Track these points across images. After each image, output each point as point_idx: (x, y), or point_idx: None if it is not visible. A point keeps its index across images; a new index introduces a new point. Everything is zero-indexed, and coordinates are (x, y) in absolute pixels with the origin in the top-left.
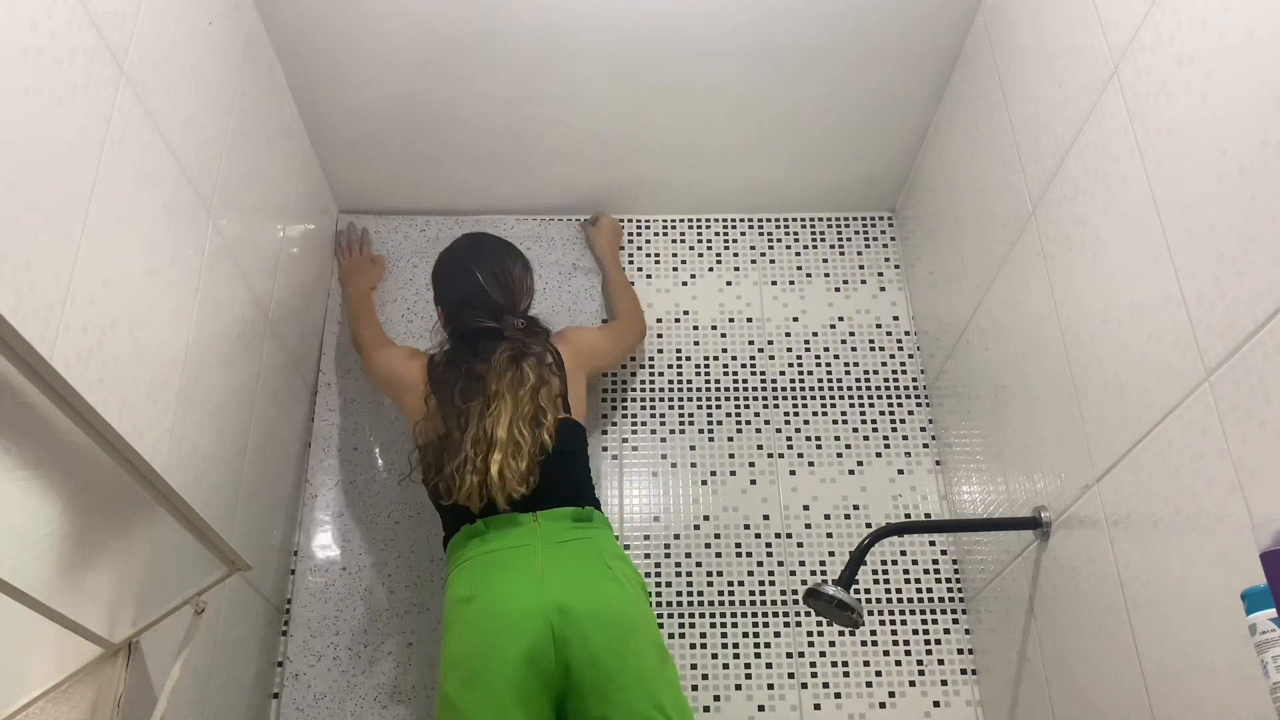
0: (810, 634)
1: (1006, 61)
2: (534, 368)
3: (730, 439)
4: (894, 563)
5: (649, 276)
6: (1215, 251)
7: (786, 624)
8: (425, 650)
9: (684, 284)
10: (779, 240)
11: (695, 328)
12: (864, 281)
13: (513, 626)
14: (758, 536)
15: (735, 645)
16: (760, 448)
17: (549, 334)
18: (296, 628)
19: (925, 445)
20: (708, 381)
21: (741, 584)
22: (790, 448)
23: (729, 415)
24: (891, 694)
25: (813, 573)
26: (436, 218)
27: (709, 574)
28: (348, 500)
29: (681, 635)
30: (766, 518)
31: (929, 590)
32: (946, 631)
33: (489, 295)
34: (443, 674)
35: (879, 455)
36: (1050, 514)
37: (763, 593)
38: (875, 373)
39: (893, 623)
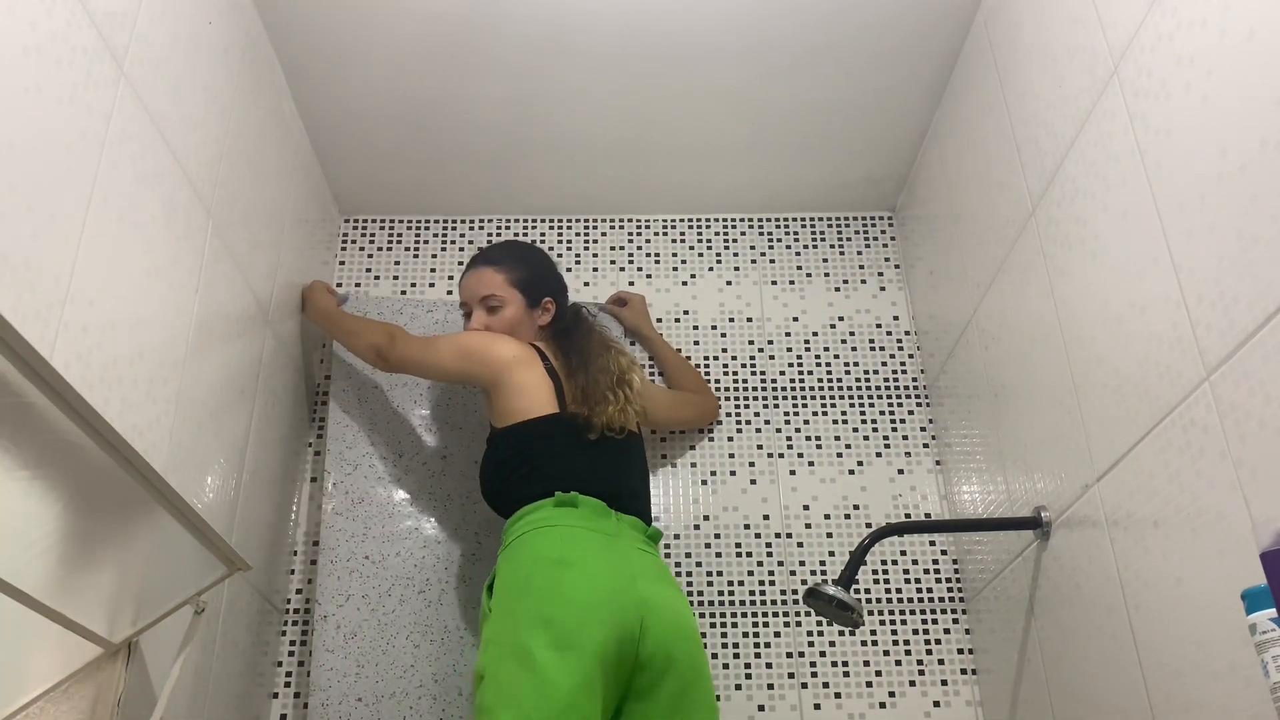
0: (810, 634)
1: (1006, 61)
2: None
3: (730, 439)
4: (894, 563)
5: (649, 276)
6: (1215, 251)
7: (786, 624)
8: (459, 589)
9: (684, 284)
10: (779, 240)
11: (695, 328)
12: (864, 281)
13: (610, 605)
14: (758, 536)
15: (735, 645)
16: (760, 448)
17: None
18: (323, 574)
19: (925, 445)
20: (708, 381)
21: (741, 584)
22: (790, 448)
23: (729, 415)
24: (891, 694)
25: (813, 573)
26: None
27: (709, 574)
28: (351, 498)
29: None
30: (766, 518)
31: (929, 590)
32: (946, 631)
33: (564, 282)
34: (521, 627)
35: (879, 455)
36: (1050, 514)
37: (763, 593)
38: (875, 373)
39: (893, 623)
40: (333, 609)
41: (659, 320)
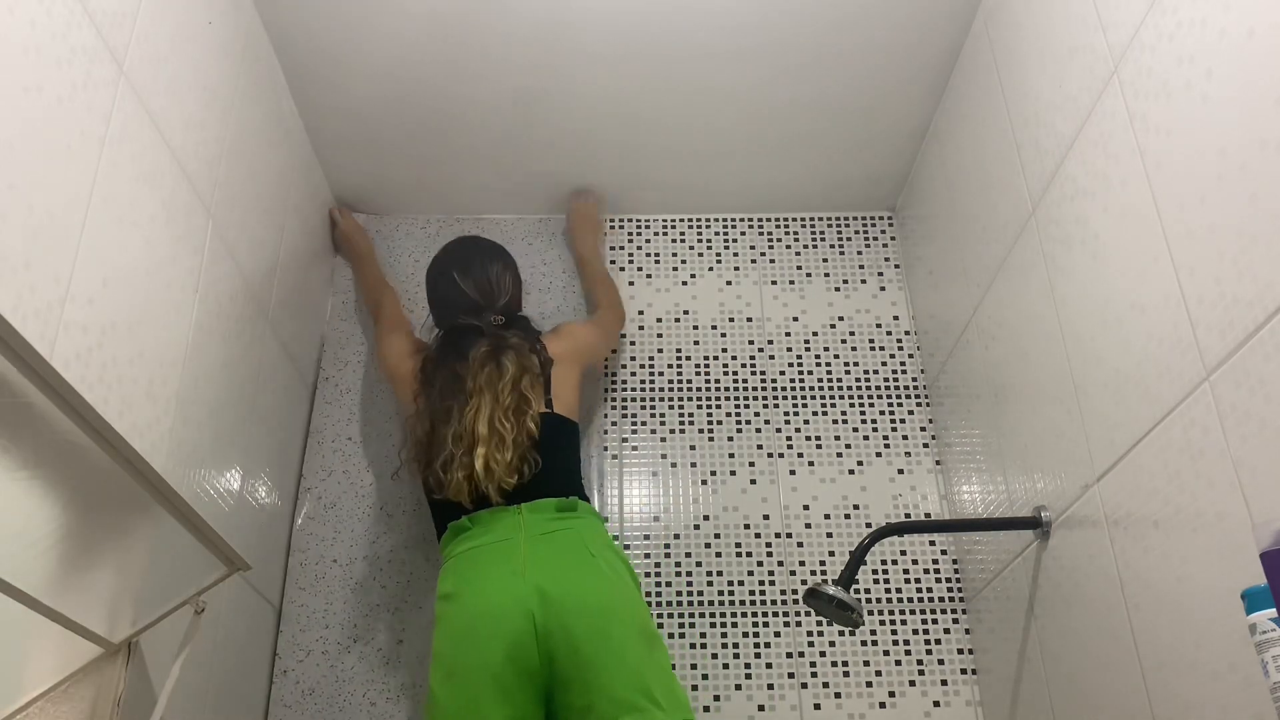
0: (810, 634)
1: (1006, 61)
2: (513, 360)
3: (730, 439)
4: (894, 563)
5: (649, 276)
6: (1215, 251)
7: (786, 624)
8: (416, 646)
9: (684, 284)
10: (779, 240)
11: (695, 327)
12: (864, 281)
13: (492, 620)
14: (758, 536)
15: (735, 645)
16: (760, 448)
17: (538, 332)
18: (287, 622)
19: (925, 445)
20: (708, 381)
21: (741, 584)
22: (790, 448)
23: (729, 415)
24: (891, 694)
25: (813, 573)
26: (435, 217)
27: (709, 574)
28: (340, 494)
29: (681, 635)
30: (766, 518)
31: (929, 590)
32: (946, 631)
33: (467, 295)
34: (431, 666)
35: (879, 455)
36: (1050, 514)
37: (763, 593)
38: (875, 373)
39: (893, 623)
40: (293, 664)
41: (658, 320)
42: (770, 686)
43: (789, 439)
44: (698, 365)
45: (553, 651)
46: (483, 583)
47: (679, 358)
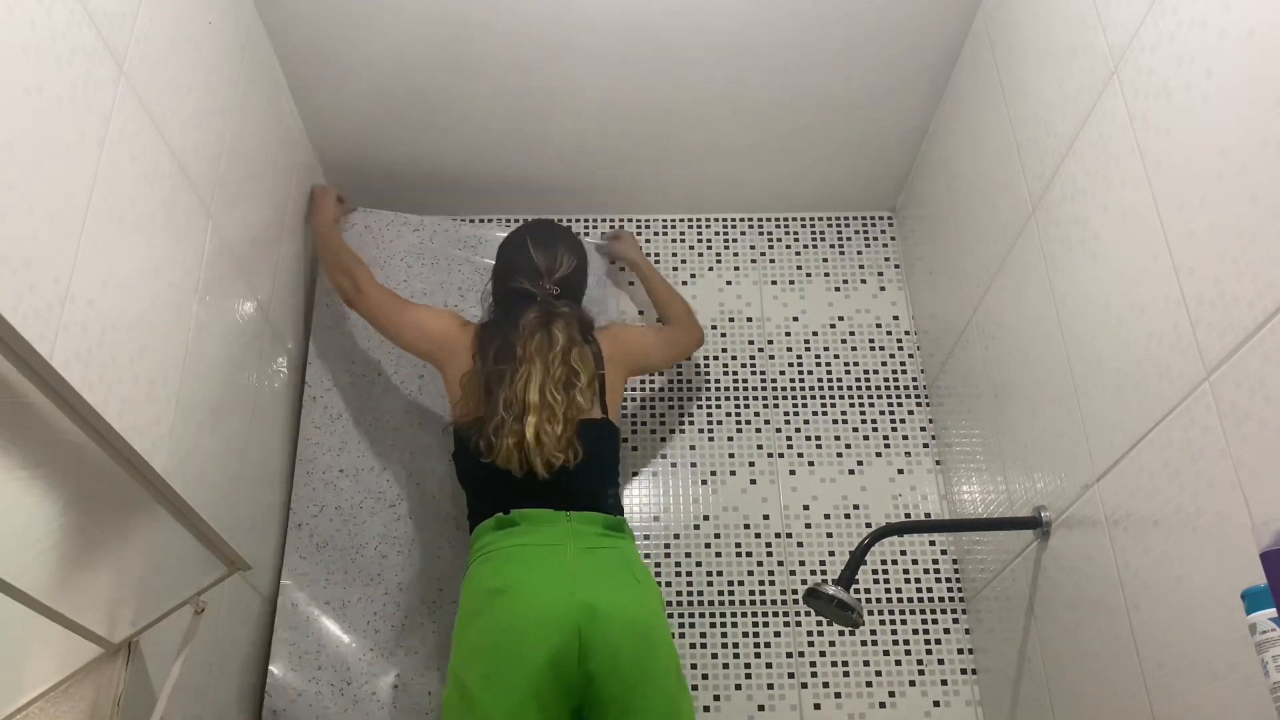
0: (810, 634)
1: (1006, 61)
2: (562, 330)
3: (730, 439)
4: (894, 563)
5: None
6: (1215, 251)
7: (786, 624)
8: (421, 544)
9: (684, 284)
10: (779, 240)
11: None
12: (864, 281)
13: (542, 626)
14: (758, 536)
15: (735, 645)
16: (760, 447)
17: (592, 323)
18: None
19: (925, 445)
20: (708, 381)
21: (741, 584)
22: (790, 447)
23: (729, 415)
24: (891, 694)
25: (813, 572)
26: (435, 217)
27: (709, 574)
28: (343, 493)
29: (681, 635)
30: (766, 517)
31: (929, 590)
32: (946, 631)
33: (530, 261)
34: (459, 660)
35: (879, 455)
36: (1050, 514)
37: (763, 593)
38: (875, 372)
39: (893, 623)
40: (307, 518)
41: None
42: (770, 686)
43: (789, 439)
44: (697, 365)
45: (593, 671)
46: (537, 587)
47: None
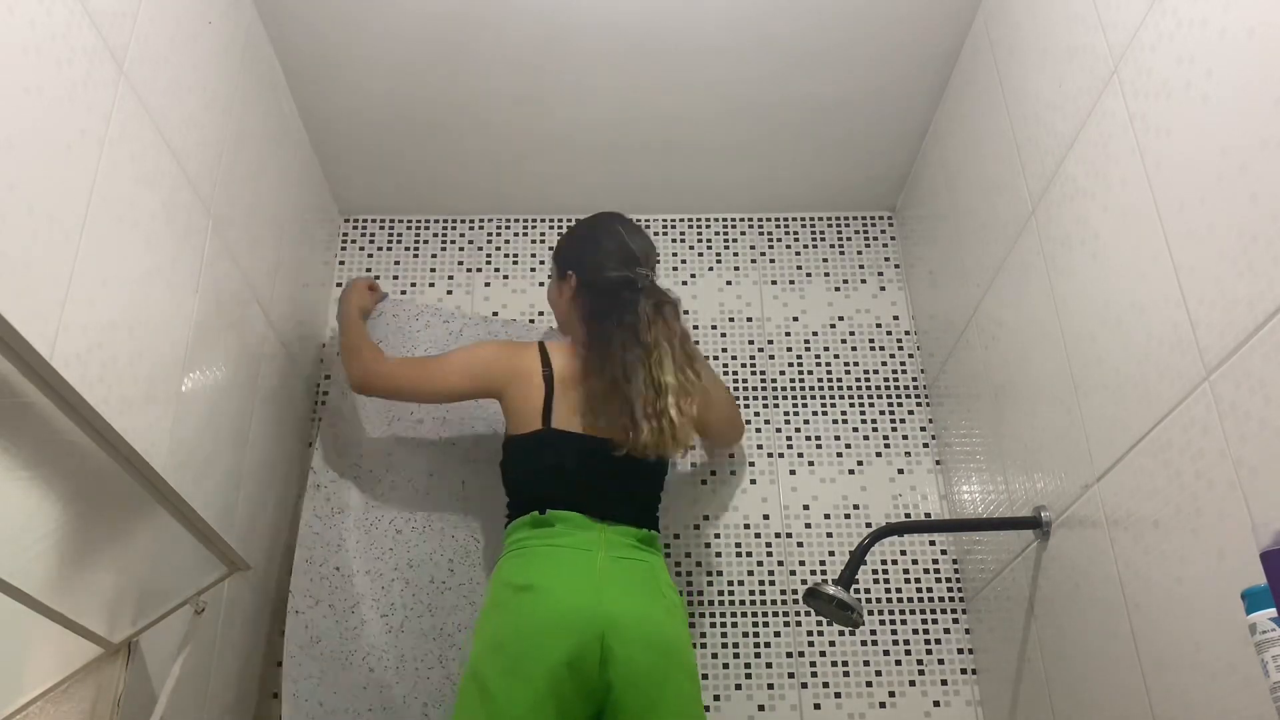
0: (810, 634)
1: (1006, 61)
2: (673, 315)
3: None
4: (894, 563)
5: None
6: (1215, 251)
7: (786, 624)
8: (413, 661)
9: (684, 283)
10: (779, 240)
11: (695, 327)
12: (864, 281)
13: (565, 626)
14: (758, 536)
15: (735, 645)
16: (760, 448)
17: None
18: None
19: (925, 445)
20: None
21: (741, 584)
22: (790, 448)
23: None
24: (891, 694)
25: (813, 573)
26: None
27: (709, 574)
28: (346, 500)
29: None
30: (766, 517)
31: (929, 590)
32: (946, 631)
33: (628, 248)
34: (480, 653)
35: (879, 455)
36: (1050, 514)
37: (763, 593)
38: (875, 372)
39: (893, 623)
40: (304, 607)
41: None
42: (770, 686)
43: (789, 439)
44: None
45: (613, 679)
46: (566, 589)
47: None
